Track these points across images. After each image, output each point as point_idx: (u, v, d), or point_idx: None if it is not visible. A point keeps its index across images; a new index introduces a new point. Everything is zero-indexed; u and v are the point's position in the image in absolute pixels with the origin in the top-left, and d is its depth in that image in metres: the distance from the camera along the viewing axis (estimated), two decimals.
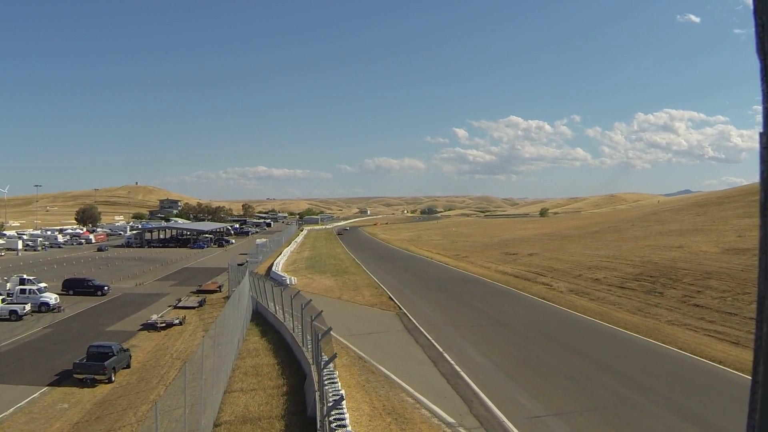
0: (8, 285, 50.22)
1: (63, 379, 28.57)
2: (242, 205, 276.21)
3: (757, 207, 1.84)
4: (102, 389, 27.56)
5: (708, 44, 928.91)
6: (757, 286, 1.80)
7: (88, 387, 27.56)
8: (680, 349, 28.81)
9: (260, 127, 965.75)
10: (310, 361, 22.98)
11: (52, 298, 46.57)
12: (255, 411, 20.61)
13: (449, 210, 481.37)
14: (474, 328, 35.24)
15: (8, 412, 24.25)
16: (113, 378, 28.64)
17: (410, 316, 38.62)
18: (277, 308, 36.31)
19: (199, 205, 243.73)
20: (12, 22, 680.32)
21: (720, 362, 26.09)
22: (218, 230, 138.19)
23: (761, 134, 1.78)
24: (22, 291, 46.58)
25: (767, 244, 1.78)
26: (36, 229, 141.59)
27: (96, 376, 28.03)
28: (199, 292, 55.23)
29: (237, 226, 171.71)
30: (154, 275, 69.58)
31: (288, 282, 55.53)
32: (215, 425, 19.27)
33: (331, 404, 15.73)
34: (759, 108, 1.80)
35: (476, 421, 19.55)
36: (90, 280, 55.96)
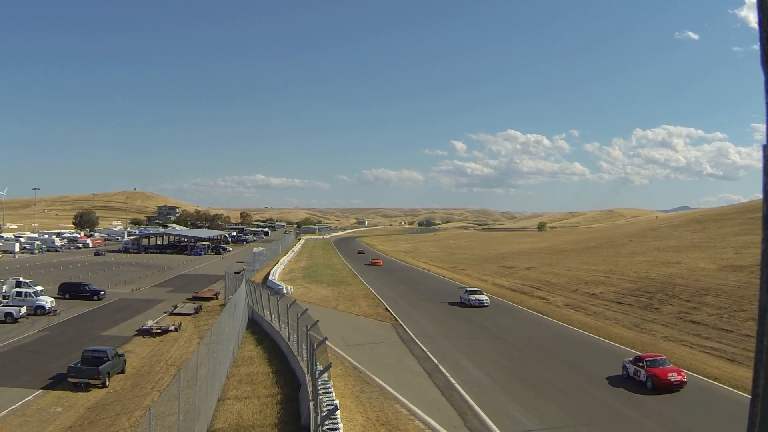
0: (4, 287, 50.11)
1: (57, 382, 28.45)
2: (240, 213, 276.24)
3: (756, 224, 1.84)
4: (96, 394, 27.46)
5: (707, 61, 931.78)
6: (756, 302, 1.81)
7: (82, 391, 27.45)
8: (675, 365, 28.74)
9: (259, 135, 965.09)
10: (305, 370, 22.95)
11: (47, 301, 46.42)
12: (249, 419, 20.57)
13: (447, 222, 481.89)
14: (469, 340, 35.23)
15: (1, 414, 24.12)
16: (107, 383, 28.54)
17: (406, 328, 38.61)
18: (273, 317, 36.27)
19: (197, 212, 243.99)
20: (13, 25, 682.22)
21: (715, 379, 26.12)
22: (216, 238, 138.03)
23: (764, 146, 1.78)
24: (18, 294, 46.46)
25: None
26: (33, 232, 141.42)
27: (90, 381, 27.91)
28: (195, 299, 55.13)
29: (234, 234, 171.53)
30: (151, 281, 69.44)
31: (284, 291, 55.48)
32: None
33: (325, 414, 15.73)
34: (757, 126, 1.80)
35: None
36: (86, 285, 55.79)
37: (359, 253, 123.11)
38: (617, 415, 21.59)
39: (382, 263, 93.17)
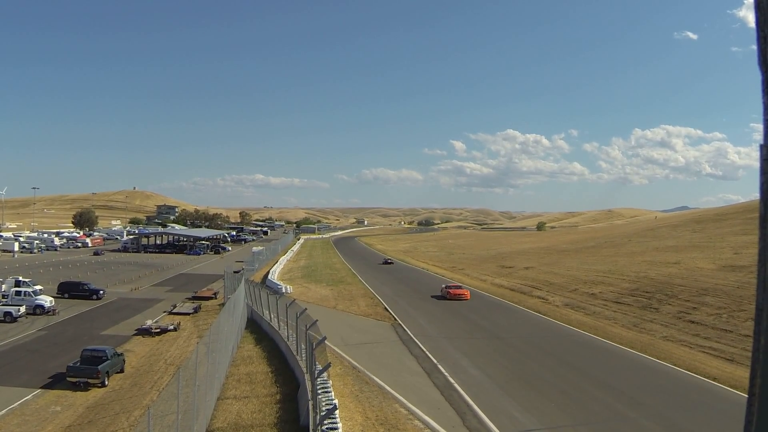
0: (3, 287, 50.06)
1: (56, 382, 28.45)
2: (239, 213, 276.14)
3: (755, 224, 1.83)
4: (95, 393, 27.46)
5: (705, 61, 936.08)
6: (754, 300, 1.81)
7: (81, 390, 27.46)
8: (674, 365, 28.84)
9: (259, 135, 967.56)
10: (304, 369, 22.93)
11: (47, 300, 46.41)
12: (248, 418, 20.54)
13: (446, 222, 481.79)
14: (468, 340, 35.22)
15: (0, 413, 24.13)
16: (106, 382, 28.55)
17: (405, 327, 38.59)
18: (272, 316, 36.26)
19: (196, 211, 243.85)
20: (12, 24, 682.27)
21: (714, 379, 26.12)
22: (215, 237, 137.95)
23: (761, 146, 1.78)
24: (17, 293, 46.47)
25: (766, 257, 1.77)
26: (33, 231, 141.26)
27: (89, 380, 27.91)
28: (194, 298, 55.11)
29: (234, 233, 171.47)
30: (150, 280, 69.42)
31: (284, 290, 55.43)
32: None
33: (324, 413, 15.72)
34: (756, 125, 1.80)
35: None
36: (85, 284, 55.75)
37: (386, 262, 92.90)
38: (616, 415, 21.61)
39: (469, 296, 52.40)
